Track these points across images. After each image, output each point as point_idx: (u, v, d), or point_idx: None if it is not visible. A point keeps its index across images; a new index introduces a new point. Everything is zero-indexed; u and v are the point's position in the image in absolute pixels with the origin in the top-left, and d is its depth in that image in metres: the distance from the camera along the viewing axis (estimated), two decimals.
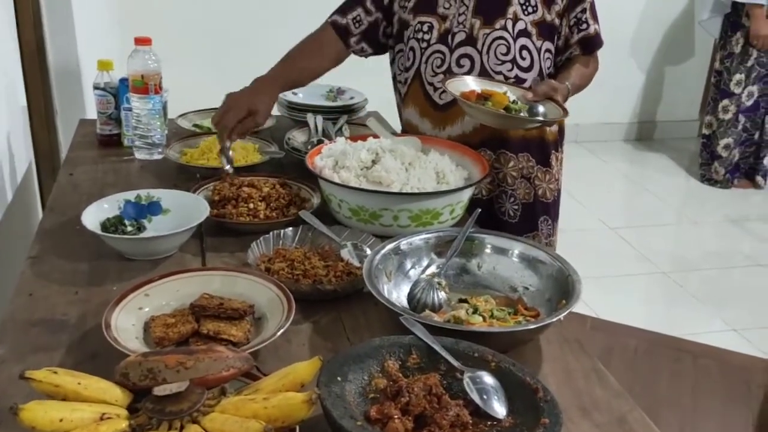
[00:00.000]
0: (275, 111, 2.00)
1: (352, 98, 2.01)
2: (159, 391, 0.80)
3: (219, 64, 3.73)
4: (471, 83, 1.51)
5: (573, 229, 2.96)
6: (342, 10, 1.64)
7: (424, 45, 1.58)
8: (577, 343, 1.08)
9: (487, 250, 1.20)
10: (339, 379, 0.87)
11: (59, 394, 0.79)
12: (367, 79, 2.20)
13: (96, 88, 1.71)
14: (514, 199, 1.65)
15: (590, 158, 4.42)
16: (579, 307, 1.50)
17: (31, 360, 0.97)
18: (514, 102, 1.46)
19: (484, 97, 1.45)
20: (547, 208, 1.71)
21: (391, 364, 0.92)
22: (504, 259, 1.19)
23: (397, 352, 0.93)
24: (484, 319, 1.05)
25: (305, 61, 1.64)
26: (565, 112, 1.45)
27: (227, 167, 1.46)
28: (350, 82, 2.10)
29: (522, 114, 1.44)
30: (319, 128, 1.77)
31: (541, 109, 1.46)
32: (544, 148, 1.67)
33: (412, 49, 1.60)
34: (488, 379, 0.89)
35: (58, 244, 1.27)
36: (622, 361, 1.62)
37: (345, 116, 1.87)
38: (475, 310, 1.06)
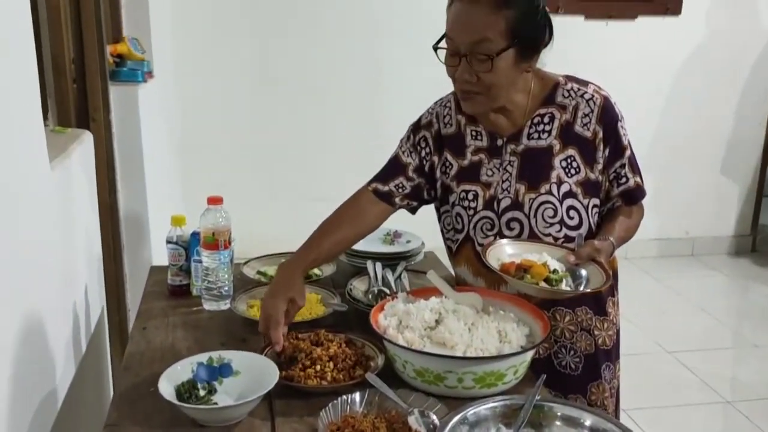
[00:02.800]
0: None
1: (408, 242, 2.07)
2: None
3: (280, 207, 3.99)
4: (509, 250, 1.52)
5: (629, 353, 2.92)
6: (382, 179, 1.67)
7: (471, 212, 1.62)
8: None
9: (557, 422, 1.20)
10: None
11: None
12: (422, 223, 2.25)
13: (169, 242, 1.80)
14: (574, 352, 1.65)
15: (642, 276, 4.37)
16: None
17: None
18: (554, 271, 1.46)
19: (523, 269, 1.45)
20: (608, 354, 1.70)
21: None
22: (573, 431, 1.19)
23: None
24: None
25: (342, 232, 1.62)
26: (608, 279, 1.45)
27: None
28: (405, 224, 2.16)
29: (564, 282, 1.45)
30: (379, 276, 1.82)
31: (584, 273, 1.46)
32: (600, 299, 1.67)
33: (459, 215, 1.64)
34: None
35: (134, 410, 1.31)
36: None
37: (404, 263, 1.92)
38: None
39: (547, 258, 1.48)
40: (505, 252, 1.52)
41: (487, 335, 1.39)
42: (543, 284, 1.43)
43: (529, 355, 1.39)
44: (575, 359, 1.67)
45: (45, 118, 1.81)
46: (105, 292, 2.16)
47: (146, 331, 1.63)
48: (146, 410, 1.31)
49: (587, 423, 1.18)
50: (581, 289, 1.45)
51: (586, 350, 1.67)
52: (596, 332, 1.68)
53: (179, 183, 3.72)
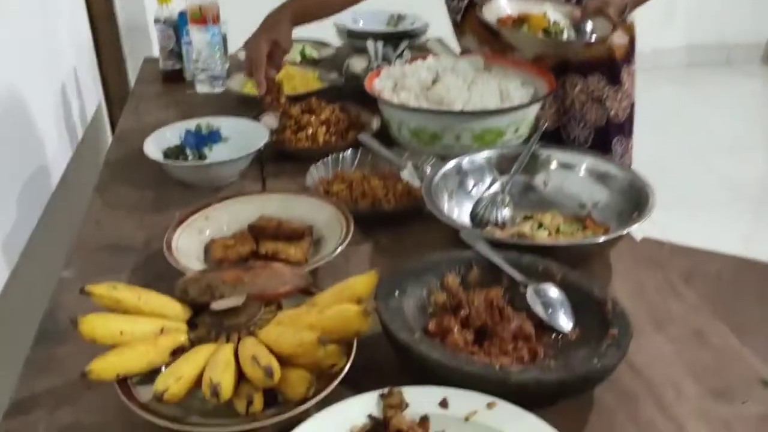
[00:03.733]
0: (335, 41, 1.97)
1: (413, 24, 1.95)
2: (217, 305, 0.80)
3: None
4: (506, 6, 1.40)
5: (652, 157, 2.84)
6: None
7: None
8: (651, 260, 1.02)
9: (553, 166, 1.14)
10: (397, 293, 0.85)
11: (120, 309, 0.80)
12: (428, 4, 2.12)
13: (156, 22, 1.71)
14: (584, 125, 1.57)
15: (671, 86, 4.19)
16: (656, 237, 1.42)
17: (99, 281, 0.98)
18: (554, 23, 1.34)
19: (520, 20, 1.34)
20: (620, 128, 1.62)
21: (451, 279, 0.89)
22: (571, 175, 1.13)
23: (458, 267, 0.90)
24: (550, 234, 1.00)
25: None
26: (614, 27, 1.33)
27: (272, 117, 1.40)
28: (411, 8, 2.03)
29: (565, 34, 1.33)
30: (379, 54, 1.73)
31: (588, 27, 1.34)
32: (614, 66, 1.56)
33: None
34: (553, 292, 0.85)
35: (124, 173, 1.29)
36: (702, 285, 1.54)
37: (406, 41, 1.81)
38: (540, 226, 1.02)
39: (547, 9, 1.36)
40: (501, 8, 1.40)
41: (487, 92, 1.31)
42: (541, 34, 1.32)
43: (532, 112, 1.31)
44: (585, 132, 1.59)
45: None
46: (108, 93, 2.10)
47: (138, 110, 1.58)
48: (135, 174, 1.28)
49: (584, 166, 1.12)
50: (585, 39, 1.34)
51: (597, 122, 1.59)
52: (608, 103, 1.58)
53: None
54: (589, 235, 1.01)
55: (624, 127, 1.63)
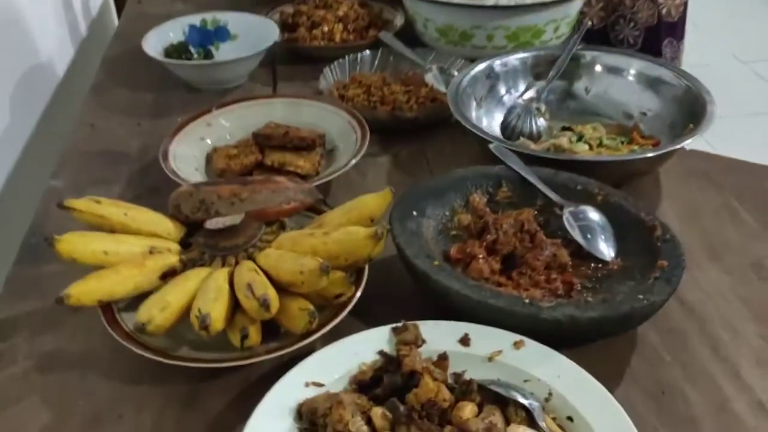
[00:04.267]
0: None
1: None
2: (211, 224, 0.71)
3: None
4: None
5: (700, 64, 2.64)
6: None
7: None
8: (706, 176, 0.90)
9: (598, 69, 1.01)
10: (415, 213, 0.75)
11: (105, 227, 0.72)
12: None
13: None
14: (634, 24, 1.42)
15: None
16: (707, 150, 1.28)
17: (90, 192, 0.89)
18: None
19: None
20: (672, 28, 1.47)
21: (477, 197, 0.78)
22: (618, 80, 1.00)
23: (485, 185, 0.80)
24: (591, 148, 0.89)
25: None
26: None
27: None
28: None
29: None
30: None
31: None
32: None
33: None
34: (593, 214, 0.74)
35: (123, 73, 1.19)
36: (755, 205, 1.41)
37: None
38: (580, 138, 0.90)
39: None
40: None
41: None
42: None
43: (575, 7, 1.17)
44: (634, 32, 1.44)
45: None
46: None
47: (142, 3, 1.46)
48: (134, 74, 1.18)
49: (633, 70, 0.99)
50: None
51: (648, 21, 1.43)
52: (661, 0, 1.42)
53: None
54: (636, 149, 0.89)
55: (676, 28, 1.48)
